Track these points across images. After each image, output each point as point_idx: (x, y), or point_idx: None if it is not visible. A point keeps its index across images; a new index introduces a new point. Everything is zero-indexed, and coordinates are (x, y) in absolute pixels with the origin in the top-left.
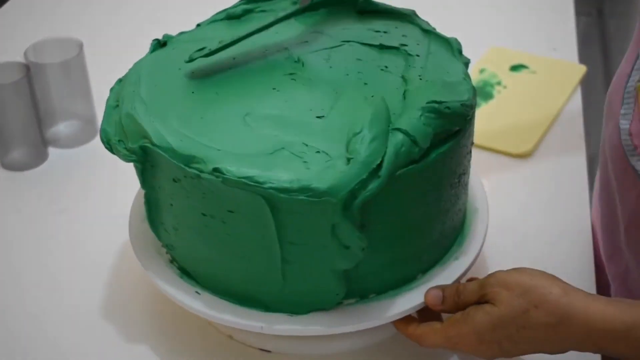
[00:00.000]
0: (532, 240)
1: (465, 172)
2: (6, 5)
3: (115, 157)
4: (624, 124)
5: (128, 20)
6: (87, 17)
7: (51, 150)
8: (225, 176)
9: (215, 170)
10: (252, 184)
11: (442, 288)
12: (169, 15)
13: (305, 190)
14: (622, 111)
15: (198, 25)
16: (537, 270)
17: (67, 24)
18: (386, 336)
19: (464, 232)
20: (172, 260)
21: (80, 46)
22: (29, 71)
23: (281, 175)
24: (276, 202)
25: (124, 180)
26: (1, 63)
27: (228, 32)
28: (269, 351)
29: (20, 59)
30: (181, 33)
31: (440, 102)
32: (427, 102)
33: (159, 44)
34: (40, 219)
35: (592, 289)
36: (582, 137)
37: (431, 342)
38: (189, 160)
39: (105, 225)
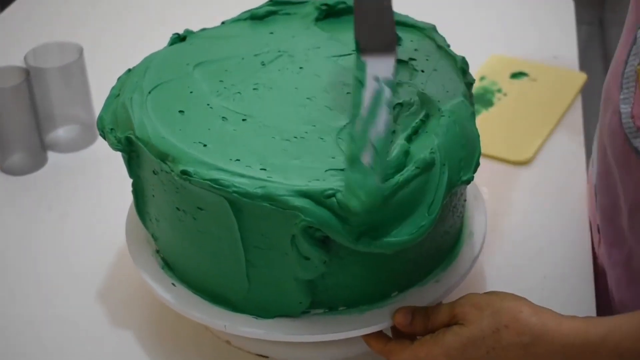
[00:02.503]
0: (531, 247)
1: (455, 199)
2: (7, 10)
3: (114, 161)
4: (625, 108)
5: (128, 25)
6: (87, 22)
7: (50, 155)
8: (192, 178)
9: (183, 172)
10: (217, 187)
11: (412, 309)
12: (169, 20)
13: (267, 198)
14: (622, 96)
15: (223, 22)
16: (509, 293)
17: (67, 29)
18: None
19: (454, 254)
20: (158, 251)
21: (80, 51)
22: (28, 75)
23: (247, 181)
24: (240, 205)
25: (122, 185)
26: (1, 67)
27: (248, 32)
28: (266, 357)
29: (20, 63)
30: (203, 29)
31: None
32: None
33: (179, 38)
34: (39, 223)
35: (592, 296)
36: (582, 145)
37: (400, 359)
38: (163, 156)
39: (104, 230)
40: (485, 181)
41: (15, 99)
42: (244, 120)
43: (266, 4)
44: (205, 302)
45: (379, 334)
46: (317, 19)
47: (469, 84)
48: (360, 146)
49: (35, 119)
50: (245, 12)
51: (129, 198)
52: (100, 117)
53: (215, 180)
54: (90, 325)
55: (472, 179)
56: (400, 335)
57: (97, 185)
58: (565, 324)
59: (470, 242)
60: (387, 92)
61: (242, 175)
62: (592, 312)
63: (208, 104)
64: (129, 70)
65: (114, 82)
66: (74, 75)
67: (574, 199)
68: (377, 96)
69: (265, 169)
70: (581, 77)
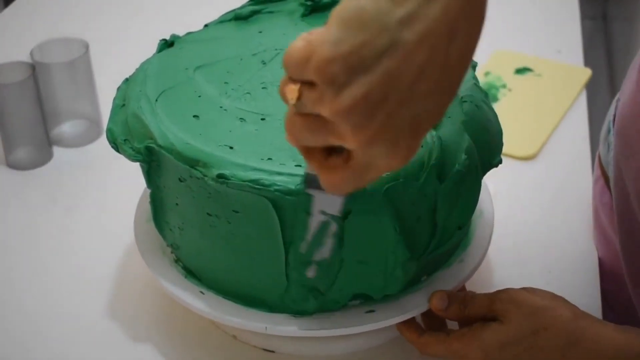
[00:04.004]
0: (536, 242)
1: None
2: (12, 6)
3: (119, 156)
4: None
5: (134, 20)
6: (93, 18)
7: (56, 150)
8: (230, 181)
9: (220, 176)
10: (258, 187)
11: (449, 293)
12: (174, 16)
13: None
14: None
15: (206, 25)
16: (548, 292)
17: (73, 25)
18: (390, 337)
19: (469, 235)
20: (177, 260)
21: (86, 46)
22: (34, 71)
23: (287, 178)
24: (282, 203)
25: (128, 180)
26: (7, 63)
27: (236, 33)
28: (272, 351)
29: (26, 58)
30: (188, 33)
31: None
32: None
33: (167, 44)
34: (45, 217)
35: (597, 292)
36: (587, 140)
37: (434, 351)
38: (193, 163)
39: (110, 225)
40: (490, 176)
41: (21, 94)
42: (262, 119)
43: (248, 4)
44: (239, 306)
45: (414, 324)
46: (304, 15)
47: (473, 66)
48: (305, 264)
49: (41, 114)
50: (227, 13)
51: (135, 193)
52: (110, 129)
53: (255, 181)
54: (96, 320)
55: (501, 161)
56: (432, 326)
57: (103, 180)
58: (603, 332)
59: (481, 221)
60: (333, 226)
61: (280, 173)
62: (598, 306)
63: (221, 107)
64: (127, 79)
65: (119, 78)
66: (80, 70)
67: (578, 194)
68: (323, 227)
69: (300, 165)
70: (586, 73)
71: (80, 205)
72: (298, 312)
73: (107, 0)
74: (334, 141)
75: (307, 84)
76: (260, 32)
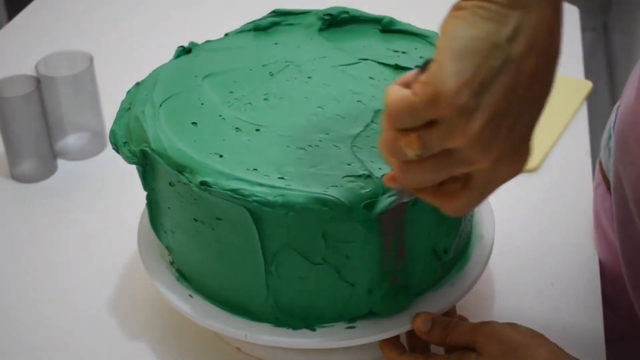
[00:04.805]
0: (538, 254)
1: None
2: (17, 19)
3: (124, 169)
4: None
5: (138, 34)
6: (98, 31)
7: (60, 163)
8: (211, 188)
9: (203, 183)
10: (237, 196)
11: (433, 317)
12: (179, 29)
13: (288, 205)
14: None
15: (226, 34)
16: (529, 329)
17: (77, 38)
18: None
19: (465, 257)
20: (172, 263)
21: (91, 60)
22: (39, 84)
23: (267, 190)
24: (260, 214)
25: (132, 193)
26: (12, 76)
27: (253, 43)
28: None
29: (31, 72)
30: (207, 41)
31: None
32: None
33: (184, 51)
34: (50, 230)
35: (598, 302)
36: (588, 153)
37: None
38: (181, 168)
39: (114, 237)
40: None
41: (26, 107)
42: (257, 130)
43: (269, 15)
44: (224, 311)
45: (396, 343)
46: (321, 29)
47: None
48: (392, 275)
49: (46, 126)
50: (248, 23)
51: (139, 206)
52: (113, 131)
53: (235, 190)
54: (100, 332)
55: None
56: (415, 347)
57: (107, 192)
58: None
59: (480, 245)
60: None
61: (261, 185)
62: (599, 318)
63: (220, 115)
64: (138, 83)
65: (123, 91)
66: (84, 83)
67: (579, 206)
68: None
69: (283, 178)
70: (587, 85)
71: (84, 217)
72: (279, 323)
73: (111, 13)
74: (460, 170)
75: (427, 126)
76: (276, 43)
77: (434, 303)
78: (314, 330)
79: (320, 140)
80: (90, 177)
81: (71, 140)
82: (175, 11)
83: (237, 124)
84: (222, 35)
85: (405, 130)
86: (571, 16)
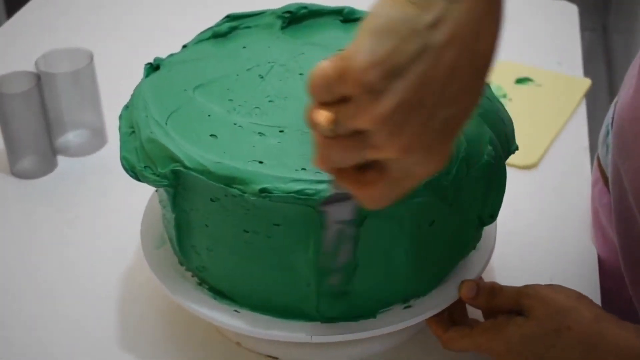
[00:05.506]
0: (537, 249)
1: None
2: (17, 16)
3: None
4: None
5: (138, 31)
6: (98, 28)
7: (60, 159)
8: (273, 194)
9: (263, 190)
10: (303, 197)
11: (478, 283)
12: (178, 25)
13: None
14: None
15: (184, 46)
16: (574, 291)
17: (77, 35)
18: (399, 341)
19: (479, 235)
20: (201, 283)
21: (91, 56)
22: (39, 81)
23: (329, 185)
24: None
25: (132, 189)
26: (12, 72)
27: (218, 50)
28: (277, 358)
29: (31, 68)
30: (171, 55)
31: None
32: None
33: (152, 68)
34: (50, 226)
35: (597, 296)
36: (587, 149)
37: (458, 346)
38: (229, 181)
39: (114, 234)
40: None
41: (26, 104)
42: (281, 132)
43: (224, 21)
44: (277, 319)
45: (443, 319)
46: (282, 27)
47: None
48: (327, 274)
49: (46, 123)
50: (204, 31)
51: (138, 202)
52: (124, 158)
53: (299, 192)
54: (100, 328)
55: (517, 147)
56: (455, 320)
57: (107, 189)
58: (623, 336)
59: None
60: (348, 231)
61: (321, 182)
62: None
63: (235, 123)
64: (126, 106)
65: (123, 87)
66: (84, 80)
67: (578, 202)
68: (339, 235)
69: None
70: (585, 83)
71: (84, 214)
72: (332, 320)
73: (111, 10)
74: (371, 155)
75: (340, 102)
76: (244, 47)
77: (468, 271)
78: (374, 317)
79: None
80: (90, 173)
81: (71, 137)
82: (175, 7)
83: (257, 129)
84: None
85: (324, 104)
86: (570, 15)
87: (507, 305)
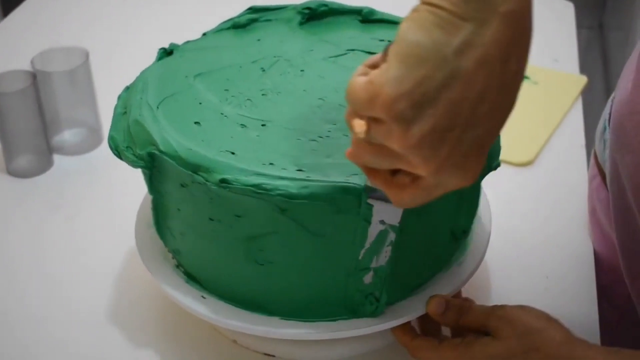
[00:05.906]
0: (533, 247)
1: None
2: (12, 14)
3: (120, 164)
4: None
5: (134, 29)
6: (93, 27)
7: (56, 158)
8: (232, 185)
9: (223, 180)
10: (260, 191)
11: (447, 299)
12: (174, 25)
13: (314, 196)
14: None
15: (204, 34)
16: (543, 312)
17: (73, 33)
18: (389, 342)
19: (467, 238)
20: (178, 265)
21: (86, 55)
22: (35, 79)
23: (288, 182)
24: (284, 207)
25: (128, 188)
26: (8, 71)
27: (234, 41)
28: (273, 356)
29: (27, 67)
30: (187, 42)
31: None
32: None
33: (166, 53)
34: (46, 225)
35: (593, 295)
36: (583, 147)
37: (425, 356)
38: (195, 168)
39: (110, 232)
40: (487, 182)
41: (22, 103)
42: (263, 125)
43: (246, 12)
44: (240, 310)
45: (408, 327)
46: (301, 23)
47: None
48: (362, 270)
49: (42, 122)
50: (225, 21)
51: (135, 200)
52: (112, 137)
53: (257, 185)
54: (97, 326)
55: (499, 164)
56: (427, 330)
57: (103, 187)
58: (591, 356)
59: (480, 224)
60: (391, 235)
61: (282, 178)
62: (594, 310)
63: (222, 113)
64: (127, 87)
65: (119, 86)
66: (80, 79)
67: (575, 199)
68: (381, 236)
69: (301, 170)
70: (582, 80)
71: (81, 212)
72: (299, 317)
73: (107, 9)
74: (403, 167)
75: (374, 120)
76: (258, 39)
77: (445, 285)
78: (335, 321)
79: (329, 131)
80: (86, 172)
81: (67, 136)
82: (171, 7)
83: (241, 121)
84: (201, 34)
85: (361, 115)
86: (567, 12)
87: (475, 324)
